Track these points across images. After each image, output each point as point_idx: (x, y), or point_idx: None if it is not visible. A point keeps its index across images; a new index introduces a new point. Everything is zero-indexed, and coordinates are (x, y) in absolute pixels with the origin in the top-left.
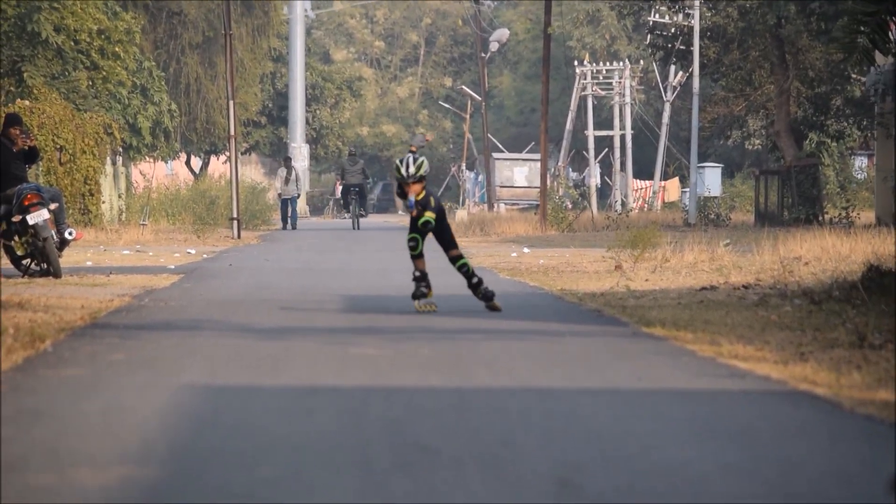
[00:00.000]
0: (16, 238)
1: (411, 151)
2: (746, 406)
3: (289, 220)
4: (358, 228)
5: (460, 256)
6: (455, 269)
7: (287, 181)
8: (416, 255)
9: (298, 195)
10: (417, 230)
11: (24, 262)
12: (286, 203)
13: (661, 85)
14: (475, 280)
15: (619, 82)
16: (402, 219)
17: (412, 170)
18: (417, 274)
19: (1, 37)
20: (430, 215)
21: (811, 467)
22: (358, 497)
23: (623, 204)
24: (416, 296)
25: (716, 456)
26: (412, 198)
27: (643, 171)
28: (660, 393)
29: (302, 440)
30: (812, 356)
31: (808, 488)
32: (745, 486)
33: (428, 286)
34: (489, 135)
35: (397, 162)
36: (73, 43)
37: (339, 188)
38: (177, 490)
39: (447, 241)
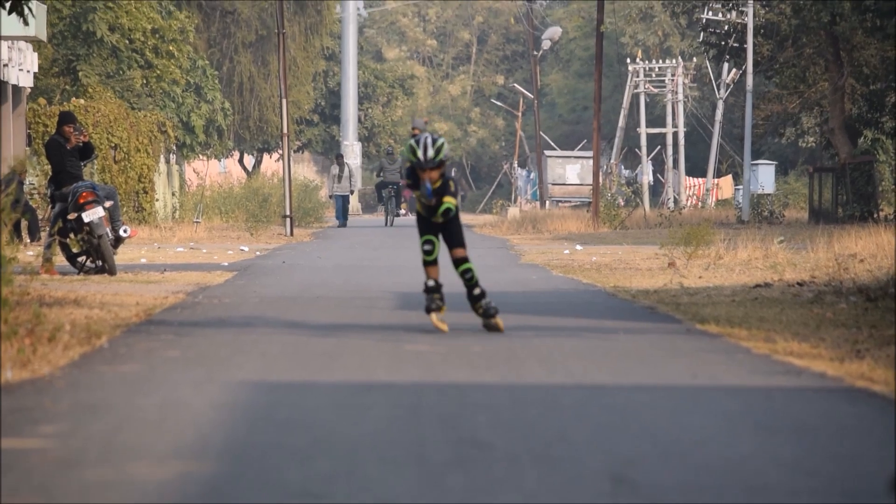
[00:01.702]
0: (71, 235)
1: (413, 135)
2: (802, 403)
3: (342, 219)
4: (391, 225)
5: (466, 259)
6: (457, 273)
7: (340, 178)
8: (431, 262)
9: (352, 192)
10: (432, 228)
11: (79, 259)
12: (339, 200)
13: (714, 82)
14: (477, 291)
15: (672, 80)
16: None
17: (430, 153)
18: (431, 284)
19: (56, 36)
20: (450, 201)
21: (868, 464)
22: (413, 493)
23: (676, 201)
24: (431, 308)
25: (771, 452)
26: (428, 184)
27: (696, 168)
28: (714, 389)
29: (357, 436)
30: (868, 353)
31: (864, 485)
32: (801, 483)
33: (442, 298)
34: (541, 132)
35: (412, 143)
36: (127, 42)
37: (351, 187)
38: (233, 485)
39: (454, 237)
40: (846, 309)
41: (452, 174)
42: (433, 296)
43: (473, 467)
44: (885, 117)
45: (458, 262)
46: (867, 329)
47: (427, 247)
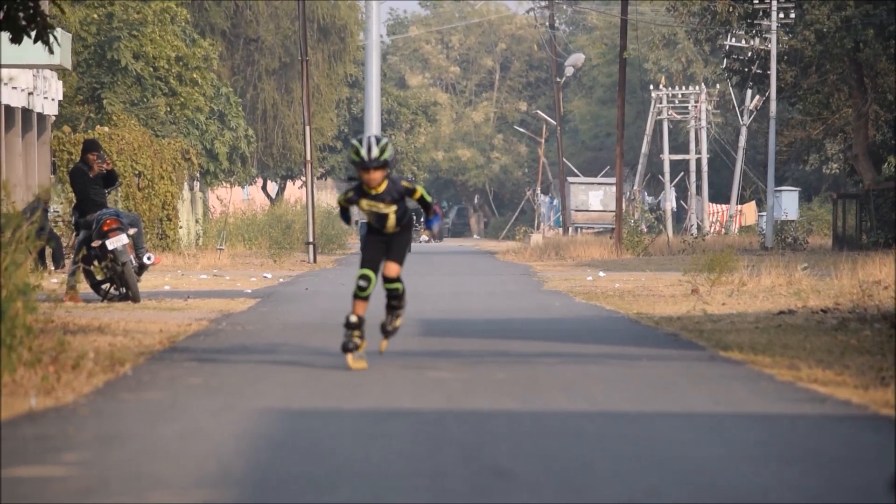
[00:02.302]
0: (95, 263)
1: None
2: (827, 431)
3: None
4: (409, 251)
5: (398, 279)
6: (385, 291)
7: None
8: (362, 297)
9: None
10: (377, 256)
11: (103, 286)
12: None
13: (737, 108)
14: (397, 314)
15: (696, 106)
16: (477, 242)
17: (375, 152)
18: (354, 319)
19: (81, 64)
20: (421, 190)
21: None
22: None
23: (699, 228)
24: (348, 348)
25: (795, 482)
26: (437, 220)
27: (719, 194)
28: (738, 417)
29: (378, 464)
30: (893, 380)
31: None
32: None
33: (362, 335)
34: (564, 159)
35: (354, 142)
36: (151, 70)
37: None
38: None
39: (398, 254)
40: (871, 336)
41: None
42: (353, 333)
43: (495, 496)
44: None
45: (390, 280)
46: (892, 356)
47: (362, 282)
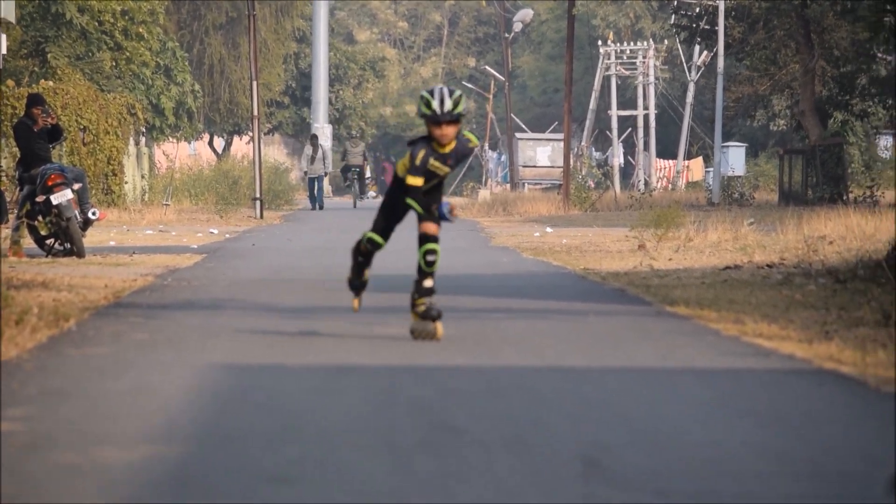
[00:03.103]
0: (40, 218)
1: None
2: (771, 385)
3: (317, 201)
4: (355, 207)
5: (436, 239)
6: (419, 253)
7: (313, 160)
8: (365, 252)
9: (326, 174)
10: (393, 218)
11: (47, 241)
12: (313, 182)
13: (685, 64)
14: (428, 284)
15: (644, 62)
16: None
17: (448, 104)
18: (362, 259)
19: (25, 18)
20: (414, 181)
21: (837, 447)
22: (385, 477)
23: (646, 183)
24: (356, 286)
25: (741, 436)
26: (445, 204)
27: (667, 150)
28: (685, 372)
29: (328, 420)
30: (837, 335)
31: (834, 468)
32: (771, 467)
33: (363, 277)
34: (512, 115)
35: (425, 94)
36: (97, 24)
37: (325, 169)
38: (202, 469)
39: (433, 209)
40: (815, 291)
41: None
42: (363, 265)
43: (445, 452)
44: (854, 99)
45: (426, 238)
46: (836, 311)
47: (369, 245)
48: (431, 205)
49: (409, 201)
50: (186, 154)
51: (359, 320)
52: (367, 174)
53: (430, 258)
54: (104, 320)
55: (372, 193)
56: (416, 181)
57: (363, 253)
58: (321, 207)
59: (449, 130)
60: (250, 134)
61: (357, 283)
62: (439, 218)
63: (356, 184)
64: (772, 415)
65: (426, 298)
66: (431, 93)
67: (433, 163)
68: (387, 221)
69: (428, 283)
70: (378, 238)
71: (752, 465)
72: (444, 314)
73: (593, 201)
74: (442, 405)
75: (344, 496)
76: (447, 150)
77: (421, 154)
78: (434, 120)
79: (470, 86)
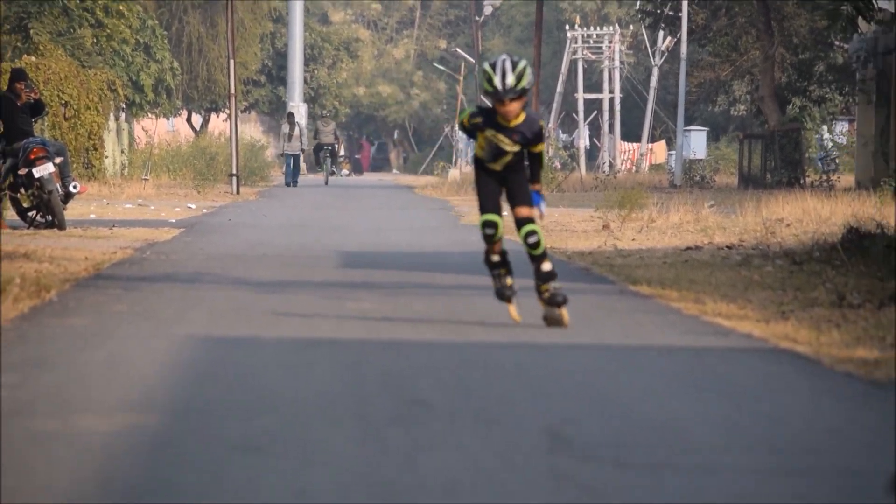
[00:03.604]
0: (22, 191)
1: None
2: (729, 363)
3: (293, 181)
4: (326, 184)
5: (532, 220)
6: (519, 238)
7: (290, 137)
8: (493, 240)
9: (303, 151)
10: (495, 197)
11: (29, 214)
12: (290, 159)
13: (649, 49)
14: (547, 267)
15: (609, 46)
16: (396, 177)
17: (510, 79)
18: (496, 259)
19: None
20: (541, 147)
21: (792, 422)
22: (355, 448)
23: (611, 165)
24: (505, 295)
25: (700, 411)
26: (540, 200)
27: (631, 133)
28: (647, 349)
29: (300, 392)
30: (793, 315)
31: (789, 442)
32: (729, 440)
33: (510, 271)
34: (482, 97)
35: (486, 67)
36: (78, 1)
37: (302, 146)
38: (177, 438)
39: (523, 194)
40: (772, 272)
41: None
42: (500, 272)
43: (413, 425)
44: (812, 86)
45: (522, 221)
46: (792, 291)
47: (489, 230)
48: (518, 185)
49: (509, 179)
50: (165, 130)
51: (330, 294)
52: (341, 153)
53: (531, 239)
54: (84, 291)
55: (345, 171)
56: (493, 165)
57: (497, 254)
58: (295, 184)
59: (513, 107)
60: (227, 111)
61: (503, 292)
62: (536, 205)
63: (328, 161)
64: (729, 391)
65: (550, 284)
66: (493, 66)
67: (493, 133)
68: (490, 196)
69: (546, 266)
70: (492, 216)
71: (708, 438)
72: (415, 290)
73: (559, 182)
74: (411, 379)
75: (314, 467)
76: (513, 124)
77: (477, 119)
78: (497, 97)
79: (441, 67)
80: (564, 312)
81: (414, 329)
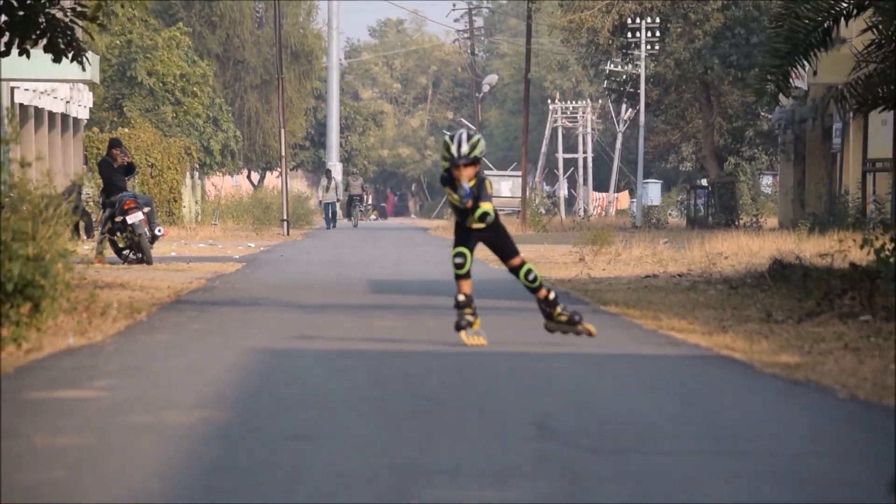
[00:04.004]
0: (118, 234)
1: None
2: (680, 367)
3: (331, 223)
4: (356, 226)
5: (522, 264)
6: (520, 281)
7: (328, 189)
8: (462, 276)
9: (338, 200)
10: (466, 240)
11: (124, 252)
12: (328, 207)
13: (615, 119)
14: (551, 296)
15: (583, 116)
16: (414, 220)
17: (465, 148)
18: (462, 298)
19: (106, 79)
20: (486, 206)
21: (730, 414)
22: (380, 436)
23: (585, 211)
24: (461, 326)
25: (657, 406)
26: (466, 185)
27: (601, 185)
28: (614, 357)
29: (337, 392)
30: (730, 329)
31: (727, 430)
32: (679, 429)
33: (474, 313)
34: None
35: (447, 139)
36: (161, 84)
37: (336, 197)
38: (241, 429)
39: (504, 248)
40: (714, 295)
41: (482, 180)
42: (464, 311)
43: (427, 417)
44: (744, 147)
45: (516, 269)
46: (730, 310)
47: (458, 259)
48: (500, 240)
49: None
50: (230, 185)
51: (361, 315)
52: (369, 201)
53: (530, 276)
54: (167, 313)
55: (373, 217)
56: (486, 206)
57: (458, 270)
58: (335, 227)
59: (466, 171)
60: (279, 169)
61: (461, 322)
62: (465, 195)
63: (356, 209)
64: (680, 390)
65: (559, 307)
66: (452, 138)
67: (453, 195)
68: (462, 236)
69: (549, 294)
70: (462, 249)
71: (663, 427)
72: (428, 310)
73: (544, 224)
74: (425, 381)
75: (348, 451)
76: (470, 186)
77: (444, 172)
78: (453, 162)
79: (449, 133)
80: (588, 325)
81: (427, 341)
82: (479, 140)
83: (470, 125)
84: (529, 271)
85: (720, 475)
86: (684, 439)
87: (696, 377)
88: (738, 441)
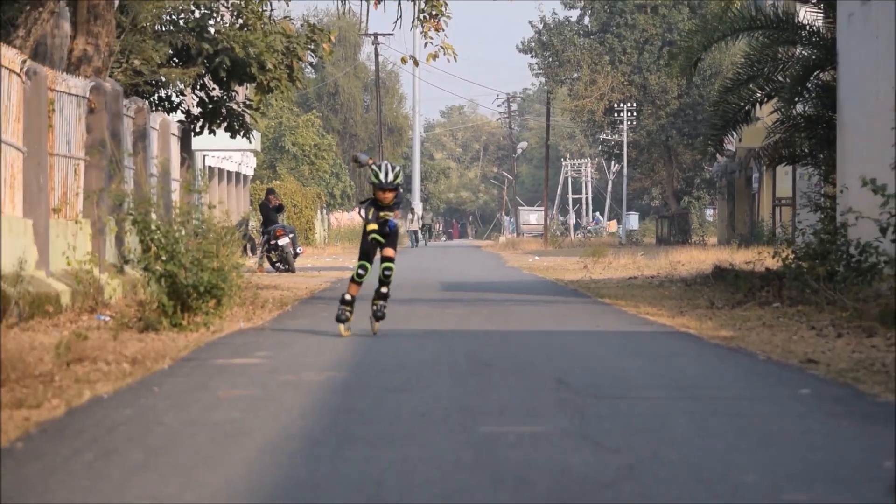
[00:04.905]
0: (272, 252)
1: (369, 164)
2: (654, 339)
3: (416, 243)
4: (426, 245)
5: (392, 260)
6: (380, 269)
7: (412, 221)
8: (357, 282)
9: (420, 228)
10: (369, 255)
11: (276, 264)
12: (413, 233)
13: (606, 171)
14: (384, 290)
15: (585, 169)
16: (472, 242)
17: (391, 177)
18: (348, 297)
19: (265, 148)
20: (393, 214)
21: (686, 369)
22: (451, 387)
23: (587, 233)
24: (341, 319)
25: (637, 366)
26: (393, 220)
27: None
28: (608, 333)
29: (421, 359)
30: (686, 313)
31: (684, 379)
32: (653, 381)
33: (352, 311)
34: (517, 196)
35: (374, 168)
36: (301, 151)
37: (418, 226)
38: (356, 385)
39: (391, 243)
40: (675, 290)
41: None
42: (346, 308)
43: (482, 375)
44: (694, 190)
45: (386, 259)
46: (686, 300)
47: (361, 271)
48: (391, 239)
49: (373, 236)
50: (346, 218)
51: (436, 306)
52: (439, 228)
53: (387, 272)
54: (305, 306)
55: (444, 238)
56: (372, 227)
57: (356, 279)
58: (416, 246)
59: (389, 195)
60: None
61: (342, 316)
62: (390, 229)
63: (426, 235)
64: (652, 354)
65: (380, 303)
66: (380, 167)
67: (382, 214)
68: (369, 252)
69: (384, 289)
70: (366, 263)
71: (642, 380)
72: (482, 302)
73: (560, 242)
74: (480, 351)
75: (428, 399)
76: (389, 204)
77: (371, 211)
78: (380, 187)
79: (494, 181)
80: (377, 326)
81: (482, 323)
82: (400, 170)
83: (508, 175)
84: (389, 269)
85: (683, 411)
86: (657, 388)
87: (664, 346)
88: (693, 389)
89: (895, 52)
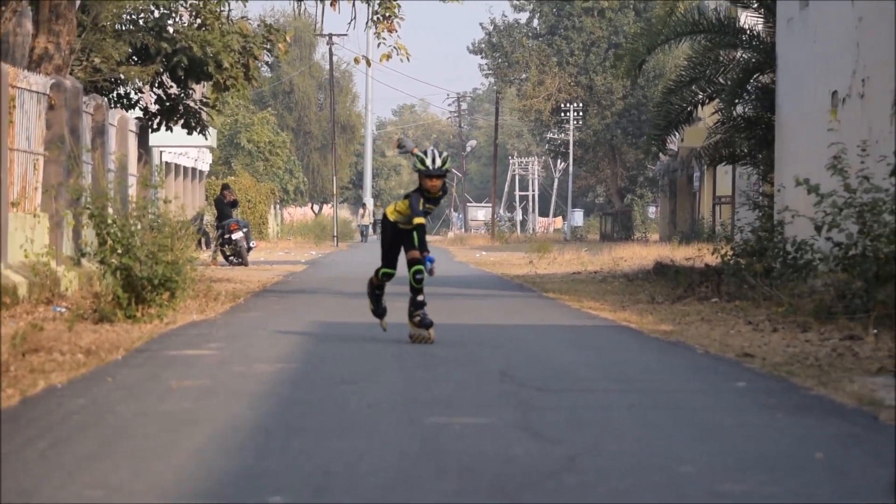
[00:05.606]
0: (226, 246)
1: (413, 152)
2: (597, 333)
3: (365, 238)
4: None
5: (420, 261)
6: (409, 274)
7: (363, 216)
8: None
9: (370, 224)
10: (393, 258)
11: (230, 258)
12: (363, 228)
13: (553, 169)
14: (420, 298)
15: (532, 167)
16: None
17: (438, 162)
18: (377, 292)
19: (220, 145)
20: (419, 221)
21: (628, 362)
22: (399, 380)
23: (533, 229)
24: (380, 314)
25: (581, 358)
26: (431, 258)
27: (544, 212)
28: (553, 326)
29: (370, 351)
30: (628, 307)
31: (627, 373)
32: (597, 374)
33: (384, 306)
34: (466, 193)
35: (420, 153)
36: (256, 148)
37: (370, 221)
38: (307, 376)
39: (420, 244)
40: (617, 285)
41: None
42: (377, 302)
43: (429, 367)
44: (637, 188)
45: (414, 262)
46: (627, 295)
47: (385, 279)
48: (411, 240)
49: (415, 234)
50: (299, 213)
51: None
52: None
53: (419, 276)
54: (257, 298)
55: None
56: (420, 220)
57: (378, 286)
58: (366, 241)
59: (437, 182)
60: (332, 203)
61: (380, 311)
62: (423, 264)
63: (377, 229)
64: (595, 347)
65: (420, 311)
66: (425, 152)
67: (427, 206)
68: (391, 256)
69: (420, 297)
70: (390, 269)
71: (586, 373)
72: (433, 297)
73: (506, 238)
74: (427, 346)
75: (377, 390)
76: (437, 195)
77: (421, 201)
78: (427, 174)
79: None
80: (431, 332)
81: (431, 317)
82: (448, 156)
83: (458, 173)
84: (421, 272)
85: (623, 403)
86: (600, 381)
87: (607, 340)
88: (634, 381)
89: (832, 55)
